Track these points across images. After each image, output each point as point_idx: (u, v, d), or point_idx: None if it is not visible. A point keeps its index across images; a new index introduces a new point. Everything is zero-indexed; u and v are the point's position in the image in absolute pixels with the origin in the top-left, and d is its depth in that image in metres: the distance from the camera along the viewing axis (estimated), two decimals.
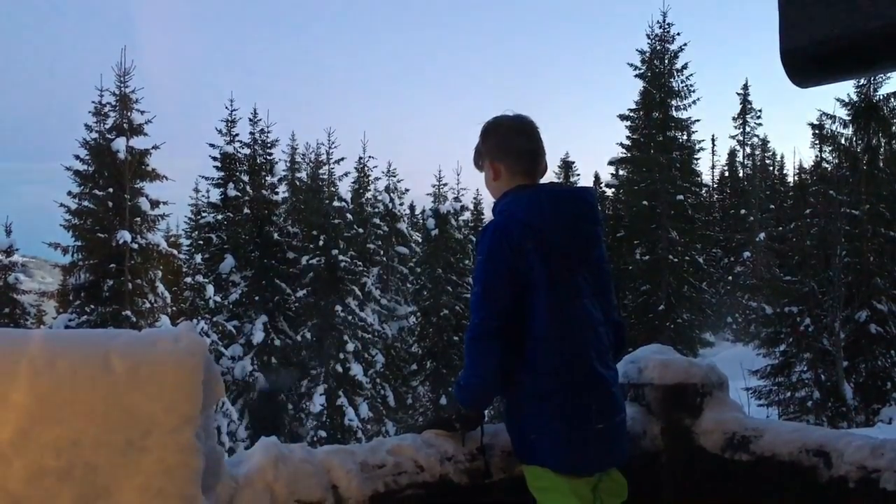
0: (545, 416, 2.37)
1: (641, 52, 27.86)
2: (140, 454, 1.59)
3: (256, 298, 23.48)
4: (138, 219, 19.09)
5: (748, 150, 45.78)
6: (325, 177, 29.05)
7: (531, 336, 2.38)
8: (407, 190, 32.90)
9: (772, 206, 35.70)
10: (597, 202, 2.64)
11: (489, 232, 2.43)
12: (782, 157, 52.53)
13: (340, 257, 23.58)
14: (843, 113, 22.71)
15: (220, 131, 25.08)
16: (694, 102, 27.88)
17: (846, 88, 23.27)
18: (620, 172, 30.12)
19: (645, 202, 27.30)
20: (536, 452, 2.38)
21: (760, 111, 46.48)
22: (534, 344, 2.38)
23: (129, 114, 19.18)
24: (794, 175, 38.10)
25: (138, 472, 1.58)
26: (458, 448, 2.38)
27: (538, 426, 2.38)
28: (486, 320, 2.37)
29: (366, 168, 31.33)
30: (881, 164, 22.62)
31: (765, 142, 47.04)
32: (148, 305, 18.92)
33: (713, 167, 47.54)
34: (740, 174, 45.11)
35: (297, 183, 33.82)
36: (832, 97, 23.70)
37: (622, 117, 28.58)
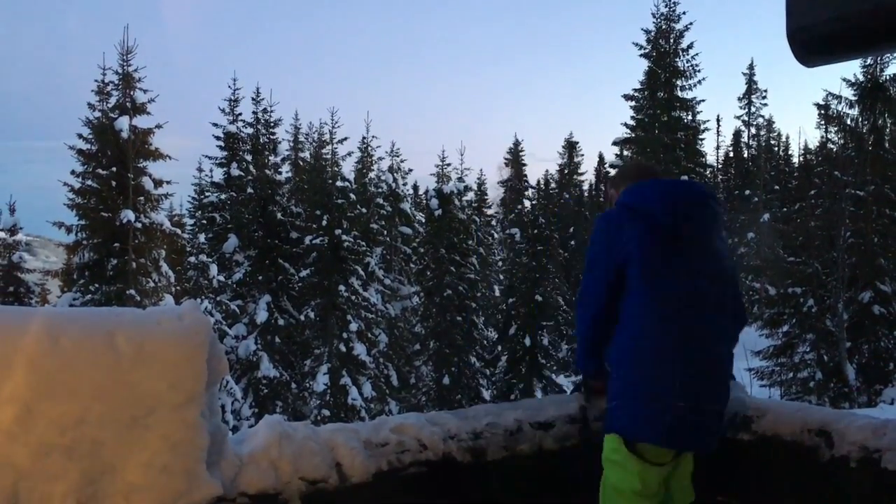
0: (628, 382, 2.49)
1: (647, 32, 27.66)
2: (145, 431, 1.60)
3: (260, 278, 23.52)
4: (142, 198, 19.07)
5: (753, 130, 45.57)
6: (329, 156, 29.00)
7: (627, 305, 2.54)
8: (410, 170, 32.89)
9: (777, 187, 35.63)
10: (710, 194, 2.77)
11: (600, 216, 2.72)
12: (787, 138, 52.23)
13: (344, 237, 23.57)
14: (849, 93, 22.61)
15: (223, 111, 25.03)
16: (699, 82, 27.71)
17: (852, 68, 23.16)
18: (625, 153, 30.00)
19: None
20: (614, 420, 2.50)
21: (766, 91, 46.24)
22: (629, 311, 2.53)
23: (132, 93, 19.11)
24: (800, 156, 37.99)
25: (143, 449, 1.60)
26: (460, 426, 2.39)
27: (620, 393, 2.50)
28: (587, 288, 2.65)
29: (369, 148, 31.30)
30: (887, 145, 22.52)
31: (770, 122, 46.83)
32: (152, 285, 18.96)
33: (718, 148, 47.45)
34: (745, 155, 44.96)
35: (301, 163, 33.78)
36: (838, 77, 23.51)
37: (627, 97, 28.44)
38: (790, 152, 46.15)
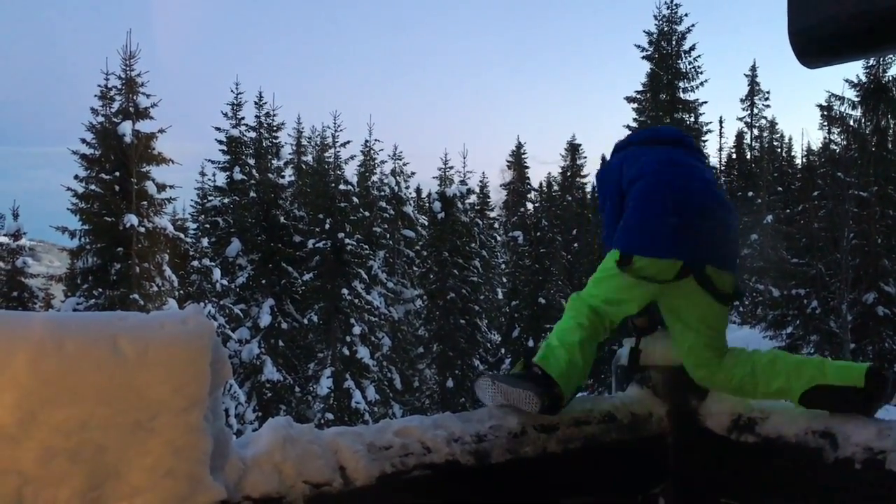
0: (633, 212, 2.72)
1: (649, 34, 27.69)
2: (149, 435, 1.60)
3: (263, 282, 23.56)
4: (145, 202, 19.11)
5: (756, 131, 45.54)
6: (331, 160, 29.03)
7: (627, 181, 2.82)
8: (413, 173, 32.93)
9: (780, 189, 35.59)
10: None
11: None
12: (790, 139, 52.26)
13: (347, 240, 23.60)
14: (851, 94, 22.60)
15: (225, 115, 25.08)
16: (701, 84, 27.74)
17: (855, 69, 23.16)
18: None
19: None
20: (615, 241, 2.71)
21: (768, 93, 46.19)
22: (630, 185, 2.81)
23: (135, 97, 19.17)
24: (803, 157, 37.93)
25: (147, 453, 1.60)
26: (463, 429, 2.39)
27: (624, 223, 2.72)
28: (609, 215, 2.91)
29: (372, 151, 31.33)
30: (890, 146, 22.50)
31: (773, 123, 46.77)
32: (155, 289, 18.99)
33: (721, 149, 47.37)
34: (748, 156, 44.92)
35: (304, 166, 33.86)
36: (841, 78, 23.50)
37: (629, 99, 28.46)
38: (793, 154, 46.11)
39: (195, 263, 21.61)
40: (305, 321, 23.76)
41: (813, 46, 1.37)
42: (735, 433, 2.72)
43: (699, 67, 27.57)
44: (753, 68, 44.79)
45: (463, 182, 31.74)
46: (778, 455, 2.58)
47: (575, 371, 2.56)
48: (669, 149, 2.93)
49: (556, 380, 2.52)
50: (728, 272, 2.69)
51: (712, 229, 2.66)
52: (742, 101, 44.93)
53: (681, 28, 27.44)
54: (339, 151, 28.55)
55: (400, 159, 31.94)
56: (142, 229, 18.72)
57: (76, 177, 19.18)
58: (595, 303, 2.70)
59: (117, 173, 18.80)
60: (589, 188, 53.46)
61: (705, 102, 28.19)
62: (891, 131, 22.62)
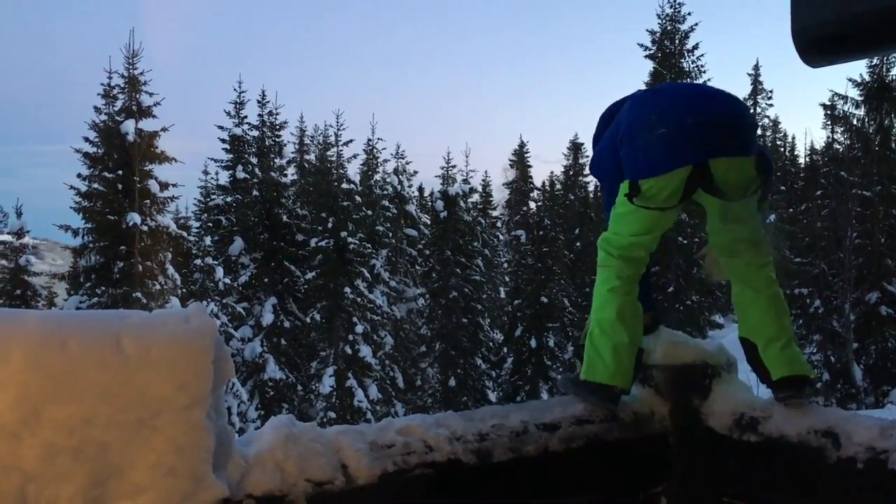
0: (634, 135, 2.62)
1: (652, 33, 27.64)
2: (151, 433, 1.61)
3: (266, 280, 23.58)
4: (148, 201, 19.14)
5: (759, 131, 45.47)
6: (334, 159, 29.03)
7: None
8: (416, 172, 32.92)
9: (783, 188, 35.51)
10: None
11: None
12: (793, 139, 52.22)
13: (349, 239, 23.61)
14: (855, 93, 22.58)
15: (228, 113, 25.09)
16: (705, 84, 27.68)
17: (858, 69, 23.12)
18: None
19: None
20: (625, 171, 2.64)
21: (771, 92, 46.30)
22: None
23: (137, 96, 19.19)
24: (806, 156, 37.88)
25: (150, 451, 1.60)
26: (466, 428, 2.39)
27: (626, 151, 2.65)
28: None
29: (375, 150, 31.32)
30: (893, 145, 22.47)
31: (776, 123, 46.86)
32: (158, 287, 19.01)
33: None
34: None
35: (306, 165, 33.89)
36: (844, 78, 23.48)
37: None
38: (796, 153, 46.10)
39: (198, 262, 21.63)
40: (308, 320, 23.77)
41: (816, 45, 1.37)
42: (737, 432, 2.72)
43: (702, 66, 27.52)
44: (756, 67, 44.82)
45: (465, 181, 31.73)
46: (780, 454, 2.58)
47: (624, 351, 2.67)
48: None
49: (608, 384, 2.65)
50: (741, 157, 2.54)
51: (704, 122, 2.50)
52: (745, 99, 44.88)
53: (684, 27, 27.40)
54: (341, 150, 28.55)
55: (403, 158, 31.95)
56: (144, 228, 18.74)
57: (79, 175, 19.21)
58: (620, 242, 2.71)
59: (120, 172, 18.82)
60: (591, 187, 53.48)
61: None
62: (894, 130, 22.58)
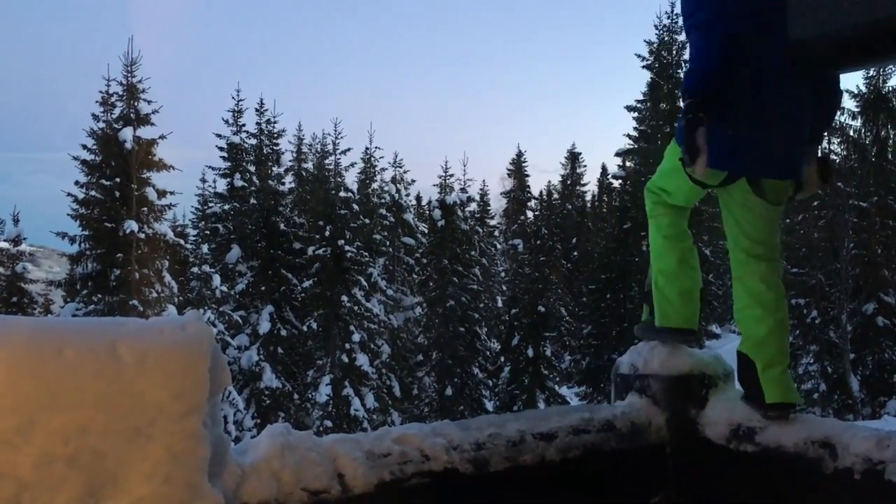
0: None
1: (649, 43, 27.77)
2: (147, 441, 1.60)
3: (263, 288, 23.55)
4: (145, 208, 19.14)
5: None
6: (332, 167, 29.06)
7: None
8: (413, 181, 32.90)
9: None
10: None
11: None
12: None
13: (346, 248, 23.60)
14: (851, 104, 22.63)
15: (226, 121, 25.12)
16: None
17: (855, 80, 23.22)
18: (628, 164, 30.07)
19: None
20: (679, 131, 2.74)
21: None
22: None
23: (136, 104, 19.21)
24: None
25: (145, 459, 1.60)
26: (462, 437, 2.39)
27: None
28: (717, 12, 2.58)
29: (372, 158, 31.32)
30: (890, 156, 22.54)
31: None
32: (154, 295, 18.99)
33: None
34: None
35: (304, 173, 33.87)
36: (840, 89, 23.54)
37: (630, 108, 28.53)
38: None
39: (195, 270, 21.60)
40: (305, 328, 23.73)
41: (813, 57, 1.38)
42: (734, 442, 2.72)
43: None
44: None
45: (463, 190, 31.74)
46: (777, 465, 2.58)
47: (689, 295, 2.92)
48: None
49: (683, 328, 2.93)
50: (788, 181, 2.74)
51: (771, 138, 2.65)
52: None
53: (681, 38, 27.49)
54: (339, 159, 28.61)
55: (400, 167, 31.96)
56: (142, 235, 18.73)
57: (77, 182, 19.22)
58: (667, 199, 2.93)
59: (118, 179, 18.83)
60: (588, 196, 53.58)
61: None
62: (891, 142, 22.66)
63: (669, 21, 27.56)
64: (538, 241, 29.22)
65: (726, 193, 2.81)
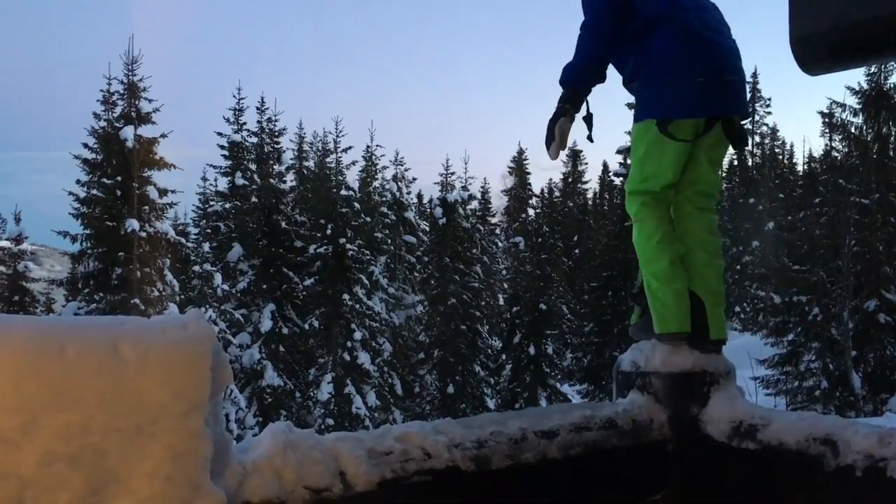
0: (657, 72, 2.91)
1: None
2: (149, 440, 1.60)
3: (264, 287, 23.54)
4: (146, 207, 19.15)
5: (757, 138, 45.63)
6: (333, 165, 29.06)
7: (646, 30, 2.93)
8: (415, 179, 32.95)
9: (781, 195, 35.58)
10: None
11: None
12: (792, 146, 52.37)
13: (348, 246, 23.60)
14: (853, 101, 22.61)
15: (227, 120, 25.09)
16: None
17: (856, 77, 23.16)
18: (628, 161, 29.98)
19: None
20: (648, 107, 2.94)
21: (770, 99, 46.36)
22: (652, 33, 2.92)
23: (137, 102, 19.22)
24: (804, 164, 37.98)
25: (147, 458, 1.60)
26: (464, 435, 2.39)
27: (649, 82, 2.94)
28: (599, 14, 2.94)
29: (373, 157, 31.34)
30: (892, 153, 22.50)
31: (774, 130, 46.91)
32: (156, 294, 19.00)
33: None
34: (749, 163, 44.95)
35: (305, 171, 33.89)
36: (842, 85, 23.52)
37: (630, 106, 28.44)
38: (794, 160, 46.25)
39: (196, 268, 21.61)
40: (306, 326, 23.74)
41: (814, 53, 1.38)
42: (736, 440, 2.72)
43: None
44: (755, 75, 44.88)
45: (464, 188, 31.76)
46: (779, 462, 2.58)
47: (683, 296, 2.91)
48: None
49: (681, 331, 2.90)
50: (747, 116, 3.08)
51: (735, 82, 2.92)
52: None
53: None
54: (340, 157, 28.62)
55: (401, 165, 31.98)
56: (143, 234, 18.74)
57: (78, 181, 19.23)
58: (654, 186, 2.96)
59: (119, 178, 18.83)
60: (590, 194, 53.54)
61: None
62: (892, 138, 22.63)
63: None
64: (539, 239, 29.18)
65: (695, 148, 2.95)
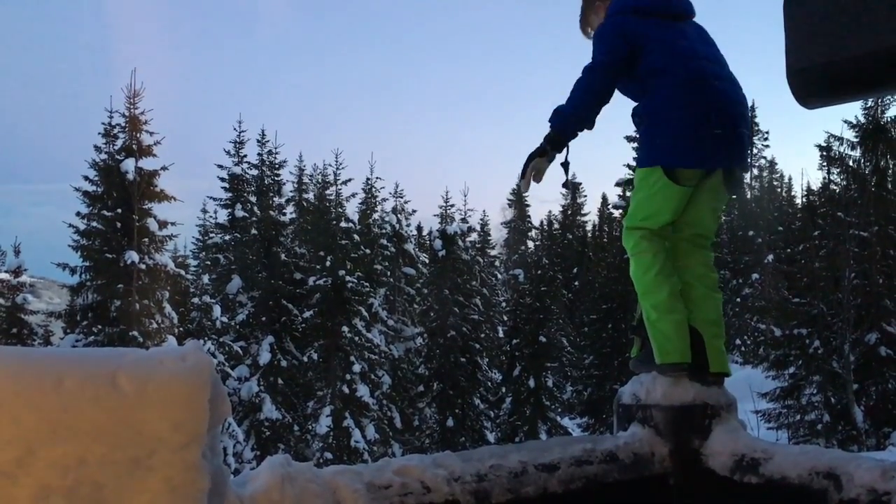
0: (667, 120, 2.96)
1: None
2: (146, 473, 1.59)
3: (263, 319, 23.50)
4: (146, 239, 19.16)
5: (756, 171, 45.79)
6: (333, 197, 29.14)
7: (650, 78, 3.00)
8: (414, 211, 32.98)
9: (780, 228, 35.61)
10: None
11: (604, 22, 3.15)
12: (790, 179, 52.40)
13: (347, 278, 23.60)
14: (850, 135, 22.71)
15: (228, 152, 25.24)
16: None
17: (853, 110, 23.30)
18: (627, 194, 30.11)
19: None
20: (656, 152, 2.96)
21: (768, 133, 46.58)
22: (657, 81, 2.99)
23: (138, 135, 19.32)
24: (803, 197, 37.98)
25: (144, 491, 1.58)
26: (464, 468, 2.37)
27: (660, 131, 2.97)
28: (599, 61, 3.01)
29: (373, 189, 31.44)
30: (890, 186, 22.56)
31: (772, 163, 47.08)
32: (155, 326, 18.94)
33: None
34: (748, 196, 45.09)
35: (305, 204, 33.94)
36: (840, 119, 23.66)
37: (629, 139, 28.63)
38: (793, 193, 46.30)
39: (195, 300, 21.58)
40: (305, 359, 23.65)
41: (811, 87, 1.39)
42: (738, 473, 2.69)
43: None
44: (752, 108, 45.16)
45: (464, 220, 31.82)
46: (781, 496, 2.55)
47: (683, 326, 2.93)
48: (683, 27, 3.11)
49: (682, 362, 2.90)
50: (744, 170, 3.13)
51: (743, 135, 2.98)
52: None
53: None
54: (340, 189, 28.70)
55: (401, 197, 32.06)
56: (142, 266, 18.74)
57: (78, 213, 19.27)
58: (654, 224, 3.00)
59: (119, 210, 18.87)
60: (589, 226, 53.64)
61: None
62: (890, 171, 22.70)
63: None
64: (539, 271, 29.19)
65: (695, 190, 3.02)
